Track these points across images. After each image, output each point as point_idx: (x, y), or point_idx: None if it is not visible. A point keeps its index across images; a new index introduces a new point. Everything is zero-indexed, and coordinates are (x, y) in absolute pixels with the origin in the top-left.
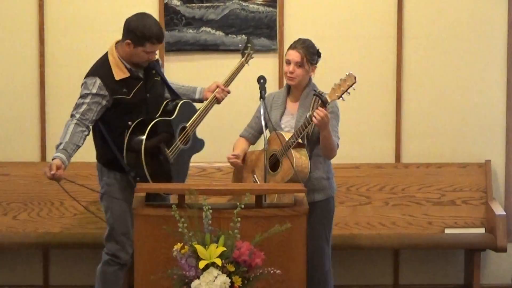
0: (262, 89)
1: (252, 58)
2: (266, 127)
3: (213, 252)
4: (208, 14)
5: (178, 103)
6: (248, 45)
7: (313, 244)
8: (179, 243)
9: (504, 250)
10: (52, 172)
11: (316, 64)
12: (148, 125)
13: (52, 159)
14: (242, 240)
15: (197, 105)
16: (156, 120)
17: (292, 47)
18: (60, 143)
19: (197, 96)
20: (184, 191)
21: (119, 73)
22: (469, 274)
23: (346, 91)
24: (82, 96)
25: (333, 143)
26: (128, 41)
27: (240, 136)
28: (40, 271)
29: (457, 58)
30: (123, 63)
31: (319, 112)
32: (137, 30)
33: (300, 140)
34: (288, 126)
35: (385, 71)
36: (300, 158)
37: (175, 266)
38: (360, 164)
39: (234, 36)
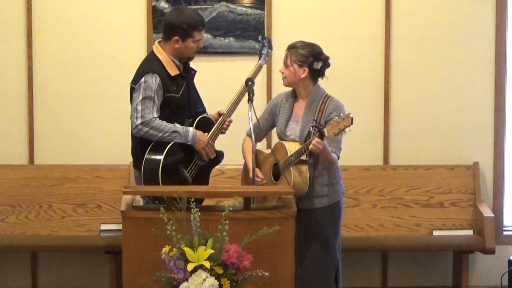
0: (250, 91)
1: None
2: (273, 131)
3: (201, 254)
4: None
5: (194, 120)
6: (265, 44)
7: (316, 249)
8: (167, 246)
9: (492, 252)
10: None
11: (307, 66)
12: (167, 145)
13: (187, 137)
14: (230, 242)
15: None
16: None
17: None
18: (174, 131)
19: None
20: (173, 193)
21: (172, 70)
22: (458, 276)
23: (342, 130)
24: (148, 98)
25: (332, 160)
26: (176, 37)
27: (247, 135)
28: (28, 274)
29: (445, 60)
30: (173, 60)
31: (316, 144)
32: (183, 24)
33: (302, 157)
34: (293, 133)
35: (373, 72)
36: (300, 175)
37: (163, 268)
38: (348, 166)
39: (222, 38)
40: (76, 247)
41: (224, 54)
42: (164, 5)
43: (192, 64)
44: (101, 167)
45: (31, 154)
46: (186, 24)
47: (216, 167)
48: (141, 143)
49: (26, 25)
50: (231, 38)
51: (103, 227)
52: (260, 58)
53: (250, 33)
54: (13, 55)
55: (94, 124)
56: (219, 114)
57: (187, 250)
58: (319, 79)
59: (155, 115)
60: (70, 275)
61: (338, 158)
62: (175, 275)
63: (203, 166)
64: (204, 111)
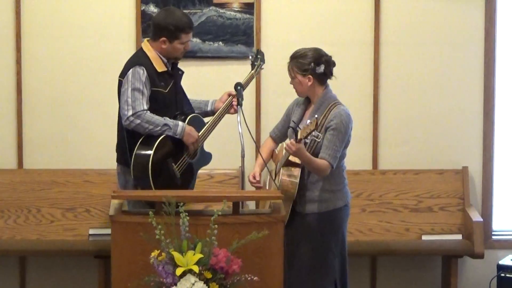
0: (239, 96)
1: (262, 69)
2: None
3: (190, 259)
4: None
5: (187, 117)
6: (258, 56)
7: (306, 253)
8: (156, 250)
9: (481, 256)
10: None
11: (310, 74)
12: (156, 140)
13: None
14: (219, 247)
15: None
16: (164, 135)
17: None
18: (164, 124)
19: (209, 108)
20: (162, 198)
21: (159, 66)
22: (447, 281)
23: (309, 134)
24: (137, 89)
25: (316, 166)
26: (163, 38)
27: (270, 135)
28: (17, 279)
29: (434, 64)
30: (160, 58)
31: (290, 145)
32: (170, 25)
33: (294, 160)
34: None
35: (362, 77)
36: (289, 177)
37: (152, 273)
38: None
39: (211, 43)
40: (65, 252)
41: (213, 58)
42: (153, 9)
43: (182, 68)
44: (90, 171)
45: (19, 159)
46: (173, 26)
47: (205, 171)
48: (128, 138)
49: (15, 29)
50: (220, 43)
51: (92, 231)
52: (252, 69)
53: (239, 38)
54: (2, 59)
55: (83, 128)
56: (229, 95)
57: (176, 255)
58: (328, 80)
59: (145, 107)
60: (59, 280)
61: (332, 166)
62: (164, 280)
63: (191, 164)
64: (193, 112)
